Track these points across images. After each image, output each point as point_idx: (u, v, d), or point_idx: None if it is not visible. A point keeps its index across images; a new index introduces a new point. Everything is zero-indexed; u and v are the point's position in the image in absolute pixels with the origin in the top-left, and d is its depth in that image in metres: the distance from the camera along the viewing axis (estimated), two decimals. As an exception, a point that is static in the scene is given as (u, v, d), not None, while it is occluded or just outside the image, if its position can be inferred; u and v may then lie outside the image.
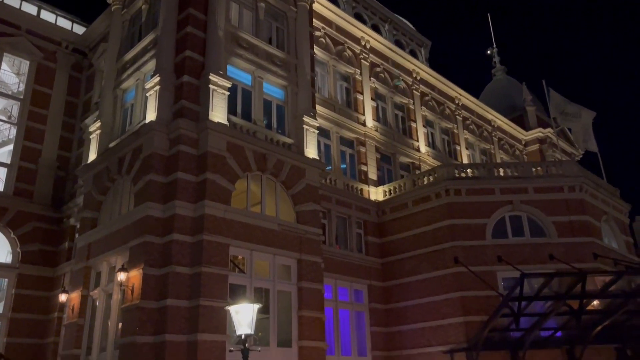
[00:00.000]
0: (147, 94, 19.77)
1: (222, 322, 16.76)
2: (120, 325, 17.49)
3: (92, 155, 21.74)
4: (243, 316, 9.52)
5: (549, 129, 41.46)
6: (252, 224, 18.86)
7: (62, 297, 20.89)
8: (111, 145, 21.12)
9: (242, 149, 19.42)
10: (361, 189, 26.75)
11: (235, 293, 17.30)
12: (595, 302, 20.53)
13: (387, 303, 24.74)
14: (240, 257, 19.28)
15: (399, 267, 24.85)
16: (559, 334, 21.26)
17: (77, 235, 22.44)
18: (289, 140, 21.59)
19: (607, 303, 20.18)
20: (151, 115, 19.09)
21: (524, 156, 41.98)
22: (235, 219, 18.34)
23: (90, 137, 22.62)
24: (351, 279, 24.02)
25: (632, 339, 21.69)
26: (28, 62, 27.19)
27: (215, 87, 19.42)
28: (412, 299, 23.88)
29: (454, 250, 22.92)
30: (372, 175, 27.70)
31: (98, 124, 22.10)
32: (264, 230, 19.14)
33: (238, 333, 9.57)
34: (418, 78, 33.55)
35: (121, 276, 17.04)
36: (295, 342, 18.86)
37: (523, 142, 42.70)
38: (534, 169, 25.16)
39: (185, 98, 19.23)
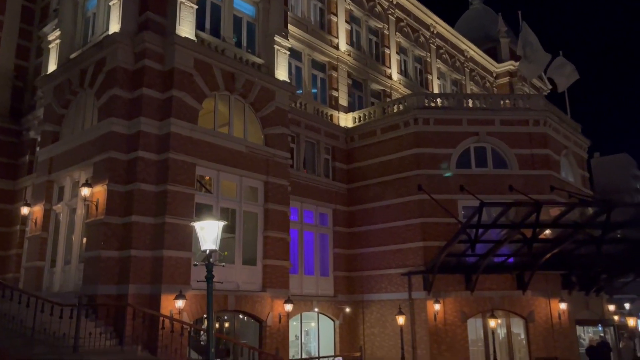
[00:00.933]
0: (110, 3, 18.71)
1: (188, 240, 16.98)
2: (84, 239, 17.54)
3: (52, 66, 20.76)
4: (208, 232, 9.61)
5: (521, 63, 41.44)
6: (219, 144, 18.71)
7: (24, 210, 20.64)
8: (72, 56, 20.14)
9: (209, 67, 18.86)
10: (331, 115, 26.63)
11: (202, 212, 17.40)
12: (547, 232, 21.58)
13: (351, 227, 25.44)
14: (207, 177, 19.29)
15: (364, 192, 25.36)
16: (511, 260, 22.43)
17: (38, 149, 21.85)
18: (259, 61, 21.03)
19: (558, 232, 21.23)
20: (115, 27, 18.17)
21: (494, 88, 42.15)
22: (202, 139, 18.13)
23: (50, 46, 21.48)
24: (317, 203, 24.47)
25: (578, 266, 23.07)
26: (-22, -39, 25.14)
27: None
28: (375, 224, 24.61)
29: (419, 178, 23.42)
30: (343, 101, 27.49)
31: (57, 32, 20.93)
32: (232, 152, 19.05)
33: (203, 249, 9.70)
34: (394, 2, 32.67)
35: (85, 191, 16.85)
36: (260, 261, 19.38)
37: (494, 75, 42.72)
38: (502, 102, 25.40)
39: (151, 9, 18.30)
